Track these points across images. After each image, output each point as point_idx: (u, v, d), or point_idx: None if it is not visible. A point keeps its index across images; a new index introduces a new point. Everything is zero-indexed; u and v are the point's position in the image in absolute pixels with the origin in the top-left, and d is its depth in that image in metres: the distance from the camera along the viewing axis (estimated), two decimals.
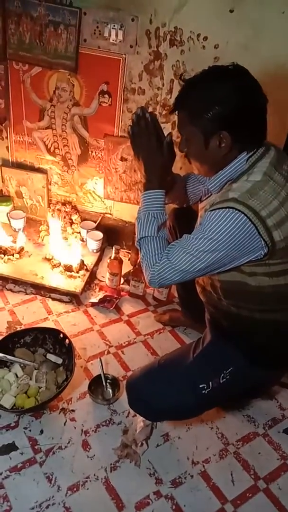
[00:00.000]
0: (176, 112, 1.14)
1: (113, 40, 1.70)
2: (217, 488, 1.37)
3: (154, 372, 1.31)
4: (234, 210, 1.03)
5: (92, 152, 2.02)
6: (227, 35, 1.59)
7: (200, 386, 1.23)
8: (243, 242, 1.05)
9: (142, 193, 1.24)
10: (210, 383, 1.24)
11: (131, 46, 1.70)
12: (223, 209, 1.04)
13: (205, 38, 1.62)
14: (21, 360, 1.54)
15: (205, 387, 1.23)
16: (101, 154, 2.00)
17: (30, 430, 1.45)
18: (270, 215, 1.04)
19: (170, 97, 1.78)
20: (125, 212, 2.16)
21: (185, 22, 1.61)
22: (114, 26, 1.67)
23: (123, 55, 1.73)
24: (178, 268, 1.11)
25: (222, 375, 1.24)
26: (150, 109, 1.83)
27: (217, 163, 1.14)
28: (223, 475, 1.41)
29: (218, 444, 1.49)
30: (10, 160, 2.15)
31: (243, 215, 1.03)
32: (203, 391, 1.23)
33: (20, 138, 2.06)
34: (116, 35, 1.68)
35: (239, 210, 1.03)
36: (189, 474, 1.40)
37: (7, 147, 2.11)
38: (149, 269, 1.16)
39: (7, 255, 2.00)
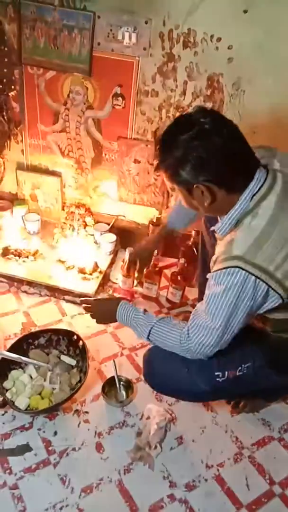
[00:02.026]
0: None
1: (126, 43, 1.71)
2: (231, 492, 1.36)
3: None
4: (241, 270, 1.04)
5: (105, 154, 2.03)
6: (240, 35, 1.58)
7: (216, 373, 1.24)
8: (258, 300, 1.08)
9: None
10: (226, 373, 1.25)
11: (144, 49, 1.71)
12: (230, 269, 1.06)
13: (219, 39, 1.62)
14: (35, 362, 1.55)
15: (220, 376, 1.24)
16: (114, 157, 2.01)
17: (44, 432, 1.45)
18: (278, 268, 1.05)
19: (184, 99, 1.78)
20: (138, 214, 2.16)
21: (198, 24, 1.61)
22: (127, 29, 1.68)
23: (137, 58, 1.74)
24: (203, 341, 1.15)
25: (240, 368, 1.25)
26: (163, 112, 1.84)
27: (213, 207, 1.14)
28: (238, 480, 1.39)
29: (233, 448, 1.47)
30: (25, 164, 2.17)
31: (251, 276, 1.04)
32: (218, 379, 1.24)
33: (34, 141, 2.09)
34: (130, 37, 1.69)
35: (247, 271, 1.04)
36: (203, 477, 1.39)
37: (22, 151, 2.13)
38: (185, 354, 1.22)
39: (22, 257, 2.02)
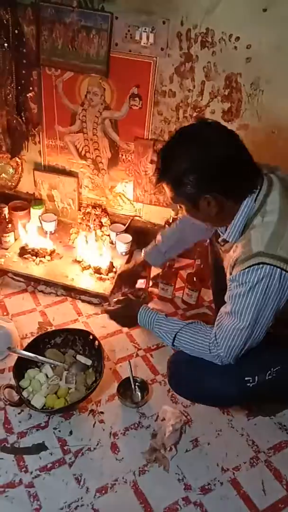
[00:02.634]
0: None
1: (144, 43, 1.71)
2: (247, 497, 1.34)
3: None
4: (265, 265, 1.03)
5: (122, 155, 2.03)
6: (260, 35, 1.57)
7: (246, 378, 1.23)
8: (285, 292, 1.07)
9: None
10: (256, 377, 1.23)
11: (162, 49, 1.70)
12: (253, 267, 1.05)
13: (237, 39, 1.60)
14: (51, 361, 1.56)
15: (251, 381, 1.23)
16: (131, 157, 2.01)
17: (59, 431, 1.46)
18: None
19: (201, 99, 1.77)
20: (154, 214, 2.16)
21: (216, 23, 1.60)
22: (145, 29, 1.67)
23: (154, 58, 1.74)
24: (233, 345, 1.15)
25: (269, 372, 1.23)
26: (180, 112, 1.83)
27: (220, 217, 1.15)
28: (254, 484, 1.37)
29: (249, 452, 1.45)
30: (43, 164, 2.19)
31: (277, 268, 1.03)
32: (248, 384, 1.23)
33: (52, 142, 2.10)
34: (147, 38, 1.68)
35: (270, 264, 1.03)
36: (218, 481, 1.37)
37: (40, 152, 2.15)
38: (215, 361, 1.22)
39: (39, 257, 2.03)
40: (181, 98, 1.80)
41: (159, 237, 1.64)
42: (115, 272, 2.00)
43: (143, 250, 1.69)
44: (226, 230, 1.18)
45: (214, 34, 1.62)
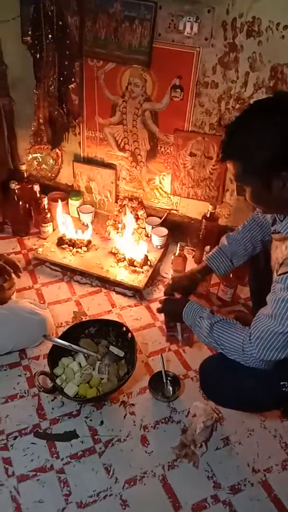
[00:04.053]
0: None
1: (187, 33, 1.67)
2: (278, 500, 1.31)
3: (232, 360, 1.24)
4: None
5: (161, 147, 2.01)
6: None
7: (282, 383, 1.19)
8: None
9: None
10: None
11: (206, 39, 1.66)
12: None
13: (285, 27, 1.54)
14: (85, 350, 1.57)
15: (286, 385, 1.19)
16: (170, 150, 1.99)
17: (91, 420, 1.48)
18: None
19: (245, 90, 1.72)
20: (191, 208, 2.13)
21: (264, 11, 1.54)
22: (189, 18, 1.64)
23: (197, 48, 1.70)
24: (268, 347, 1.11)
25: None
26: (222, 103, 1.79)
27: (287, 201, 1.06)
28: (286, 487, 1.34)
29: (281, 454, 1.42)
30: (82, 156, 2.20)
31: None
32: (284, 389, 1.19)
33: (92, 133, 2.11)
34: (191, 27, 1.65)
35: None
36: (249, 481, 1.35)
37: (79, 143, 2.16)
38: (245, 361, 1.18)
39: (76, 248, 2.06)
40: (224, 90, 1.76)
41: (224, 240, 1.52)
42: (150, 265, 2.00)
43: (204, 256, 1.57)
44: (284, 219, 1.11)
45: (261, 23, 1.57)
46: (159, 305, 1.46)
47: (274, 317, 1.08)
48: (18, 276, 1.74)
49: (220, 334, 1.21)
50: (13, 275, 1.71)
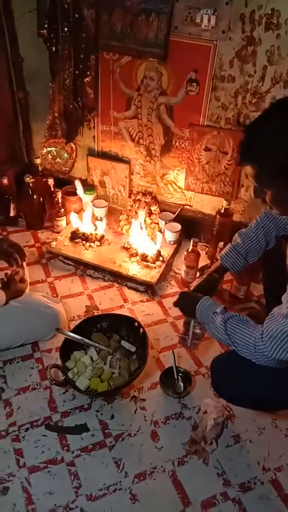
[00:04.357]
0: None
1: (205, 26, 1.65)
2: None
3: (244, 358, 1.22)
4: None
5: (175, 142, 1.99)
6: None
7: None
8: None
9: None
10: None
11: (223, 32, 1.64)
12: None
13: None
14: (97, 344, 1.58)
15: None
16: (184, 144, 1.97)
17: (101, 414, 1.48)
18: None
19: (262, 85, 1.69)
20: (205, 204, 2.11)
21: (284, 3, 1.51)
22: (207, 11, 1.61)
23: (215, 42, 1.67)
24: (280, 346, 1.10)
25: None
26: (239, 98, 1.76)
27: None
28: None
29: None
30: (96, 150, 2.20)
31: None
32: None
33: (106, 127, 2.10)
34: (209, 20, 1.62)
35: None
36: (259, 480, 1.34)
37: (94, 137, 2.16)
38: (257, 359, 1.16)
39: (89, 242, 2.06)
40: (241, 84, 1.73)
41: (236, 237, 1.51)
42: (162, 261, 1.99)
43: (218, 255, 1.55)
44: None
45: (280, 15, 1.53)
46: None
47: None
48: (24, 260, 1.73)
49: (232, 330, 1.20)
50: (22, 263, 1.70)
